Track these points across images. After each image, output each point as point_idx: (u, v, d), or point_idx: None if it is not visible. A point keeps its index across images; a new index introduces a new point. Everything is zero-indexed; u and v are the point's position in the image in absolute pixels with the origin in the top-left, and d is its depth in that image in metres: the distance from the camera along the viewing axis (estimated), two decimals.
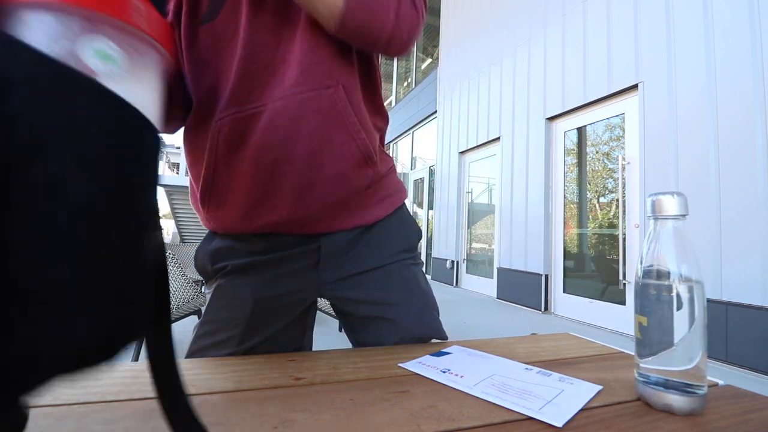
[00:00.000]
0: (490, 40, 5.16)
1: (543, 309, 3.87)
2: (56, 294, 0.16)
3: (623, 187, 3.20)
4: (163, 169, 15.95)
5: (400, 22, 0.49)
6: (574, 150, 3.87)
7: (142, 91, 0.24)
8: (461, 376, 0.46)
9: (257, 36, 0.50)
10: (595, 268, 3.58)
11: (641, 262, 0.41)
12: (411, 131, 8.08)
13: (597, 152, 3.67)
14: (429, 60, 8.00)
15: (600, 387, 0.44)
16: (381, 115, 0.62)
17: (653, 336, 0.39)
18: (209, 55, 0.52)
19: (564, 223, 3.88)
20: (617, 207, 3.30)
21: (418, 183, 7.74)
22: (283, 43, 0.51)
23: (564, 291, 3.79)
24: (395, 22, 0.49)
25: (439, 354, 0.55)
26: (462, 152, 5.77)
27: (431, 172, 6.96)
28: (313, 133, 0.50)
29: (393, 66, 10.12)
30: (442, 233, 6.22)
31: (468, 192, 5.76)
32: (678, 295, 0.38)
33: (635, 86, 3.09)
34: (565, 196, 3.89)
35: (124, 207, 0.19)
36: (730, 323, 2.31)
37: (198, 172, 0.55)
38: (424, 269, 0.75)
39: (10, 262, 0.15)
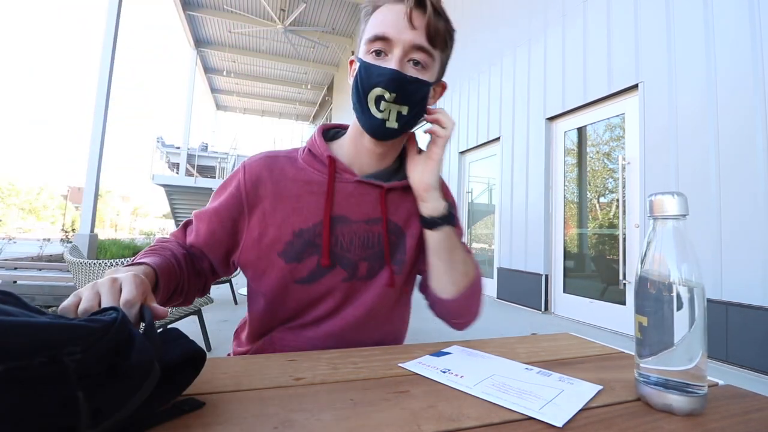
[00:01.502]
0: (490, 40, 5.16)
1: (543, 309, 3.86)
2: None
3: (623, 187, 3.20)
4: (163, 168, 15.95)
5: (477, 314, 0.70)
6: (574, 150, 3.87)
7: None
8: (461, 376, 0.46)
9: (346, 304, 0.65)
10: (595, 268, 3.58)
11: (641, 262, 0.41)
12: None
13: (597, 152, 3.67)
14: None
15: (600, 387, 0.44)
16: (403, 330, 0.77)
17: (653, 336, 0.39)
18: (295, 308, 0.64)
19: (564, 223, 3.88)
20: (617, 207, 3.30)
21: None
22: (365, 310, 0.65)
23: (564, 291, 3.78)
24: (477, 313, 0.70)
25: (439, 354, 0.55)
26: (462, 152, 5.77)
27: None
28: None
29: None
30: None
31: (468, 192, 5.76)
32: (678, 295, 0.38)
33: (635, 86, 3.09)
34: (565, 196, 3.88)
35: None
36: (730, 323, 2.31)
37: (246, 338, 0.70)
38: None
39: None
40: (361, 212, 0.64)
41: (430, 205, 0.62)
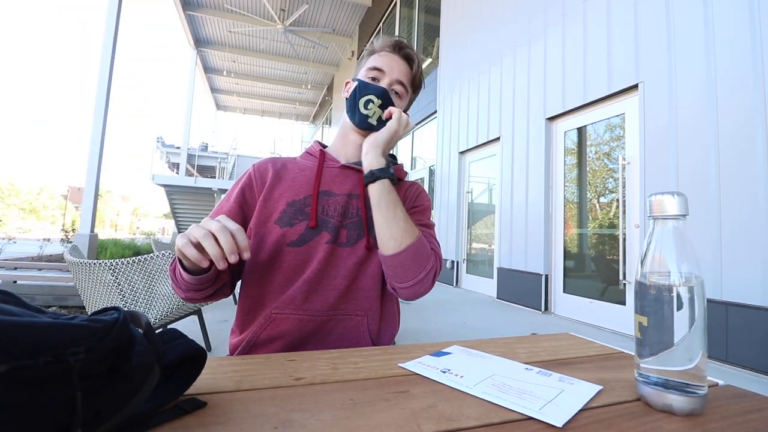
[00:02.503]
0: (490, 40, 5.16)
1: (543, 309, 3.86)
2: None
3: (623, 187, 3.19)
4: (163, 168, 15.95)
5: (422, 283, 0.70)
6: (574, 150, 3.87)
7: None
8: (461, 376, 0.46)
9: (330, 267, 0.73)
10: (595, 268, 3.58)
11: (641, 262, 0.41)
12: (411, 131, 8.08)
13: (597, 152, 3.67)
14: (429, 60, 8.01)
15: (600, 387, 0.44)
16: (394, 324, 0.82)
17: (653, 336, 0.39)
18: (288, 270, 0.72)
19: (564, 223, 3.88)
20: (617, 207, 3.30)
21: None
22: (347, 276, 0.74)
23: (564, 291, 3.78)
24: (420, 280, 0.70)
25: (439, 354, 0.55)
26: (462, 152, 5.76)
27: (431, 172, 6.96)
28: (338, 344, 0.71)
29: None
30: (442, 233, 6.22)
31: (468, 192, 5.75)
32: (678, 295, 0.38)
33: (635, 86, 3.09)
34: (565, 196, 3.88)
35: None
36: (730, 323, 2.31)
37: (241, 326, 0.75)
38: None
39: None
40: (343, 188, 0.80)
41: (371, 158, 0.72)
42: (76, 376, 0.25)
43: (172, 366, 0.36)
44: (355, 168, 0.82)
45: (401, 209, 0.70)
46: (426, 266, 0.70)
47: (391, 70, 0.82)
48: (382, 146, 0.75)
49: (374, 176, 0.70)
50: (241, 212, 0.76)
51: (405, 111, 0.87)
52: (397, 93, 0.83)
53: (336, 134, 0.89)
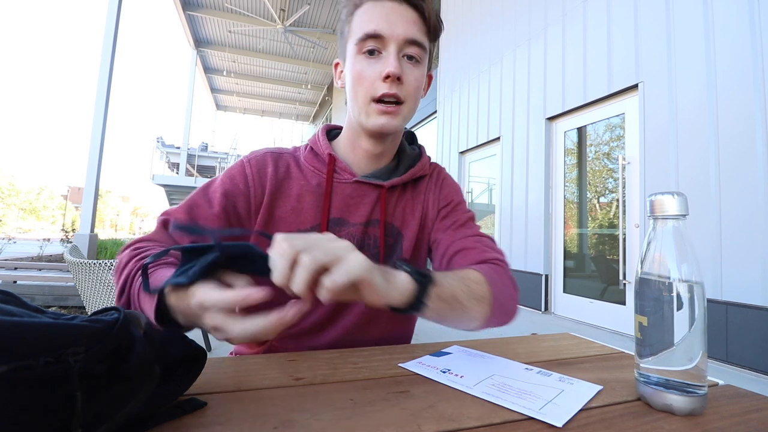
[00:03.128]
0: (491, 40, 5.16)
1: (543, 309, 3.86)
2: None
3: (623, 187, 3.20)
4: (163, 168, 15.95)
5: (516, 309, 0.59)
6: (574, 150, 3.87)
7: None
8: (461, 376, 0.46)
9: (342, 305, 0.62)
10: (595, 268, 3.58)
11: (641, 262, 0.41)
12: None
13: (597, 152, 3.67)
14: None
15: (600, 387, 0.44)
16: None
17: (653, 336, 0.39)
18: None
19: (564, 223, 3.88)
20: (617, 207, 3.30)
21: None
22: (359, 314, 0.63)
23: (564, 291, 3.78)
24: (515, 309, 0.59)
25: (439, 354, 0.55)
26: (462, 152, 5.76)
27: None
28: None
29: None
30: None
31: (468, 192, 5.75)
32: (678, 295, 0.38)
33: (635, 86, 3.09)
34: (565, 196, 3.88)
35: None
36: (730, 323, 2.31)
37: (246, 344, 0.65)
38: None
39: None
40: (359, 214, 0.64)
41: (394, 294, 0.44)
42: (76, 376, 0.25)
43: (172, 366, 0.36)
44: (372, 183, 0.64)
45: (461, 288, 0.50)
46: (513, 295, 0.58)
47: (394, 28, 0.54)
48: (376, 268, 0.42)
49: (420, 305, 0.46)
50: (228, 224, 0.59)
51: (428, 70, 0.63)
52: (411, 58, 0.57)
53: (343, 133, 0.69)
